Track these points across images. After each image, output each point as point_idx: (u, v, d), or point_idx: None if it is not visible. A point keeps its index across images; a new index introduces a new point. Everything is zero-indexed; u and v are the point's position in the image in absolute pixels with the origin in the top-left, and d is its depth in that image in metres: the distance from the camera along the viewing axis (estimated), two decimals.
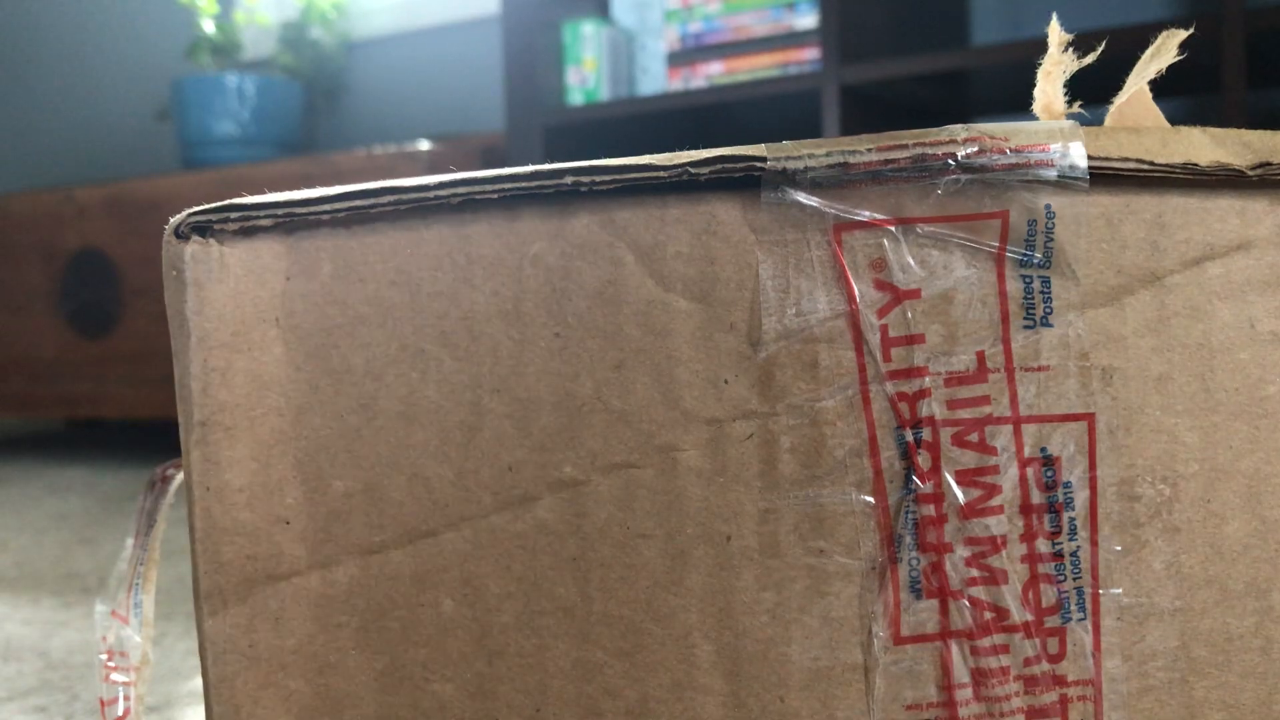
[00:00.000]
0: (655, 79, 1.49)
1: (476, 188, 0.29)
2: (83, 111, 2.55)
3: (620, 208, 0.30)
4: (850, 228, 0.30)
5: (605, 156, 0.30)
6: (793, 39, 1.33)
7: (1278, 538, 0.31)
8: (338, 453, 0.31)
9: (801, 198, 0.30)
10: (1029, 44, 1.16)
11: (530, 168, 0.30)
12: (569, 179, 0.29)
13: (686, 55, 1.41)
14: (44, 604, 0.91)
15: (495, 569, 0.31)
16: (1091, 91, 0.32)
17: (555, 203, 0.30)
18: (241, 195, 0.29)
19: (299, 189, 0.29)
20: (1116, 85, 0.33)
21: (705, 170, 0.29)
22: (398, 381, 0.30)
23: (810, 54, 1.32)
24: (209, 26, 2.16)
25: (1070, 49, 0.33)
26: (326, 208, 0.29)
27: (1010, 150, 0.30)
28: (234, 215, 0.30)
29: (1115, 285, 0.31)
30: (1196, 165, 0.30)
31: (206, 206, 0.30)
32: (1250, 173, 0.30)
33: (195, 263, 0.30)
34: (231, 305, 0.30)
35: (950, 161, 0.29)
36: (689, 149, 1.63)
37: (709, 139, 1.64)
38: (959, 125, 0.30)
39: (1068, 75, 0.33)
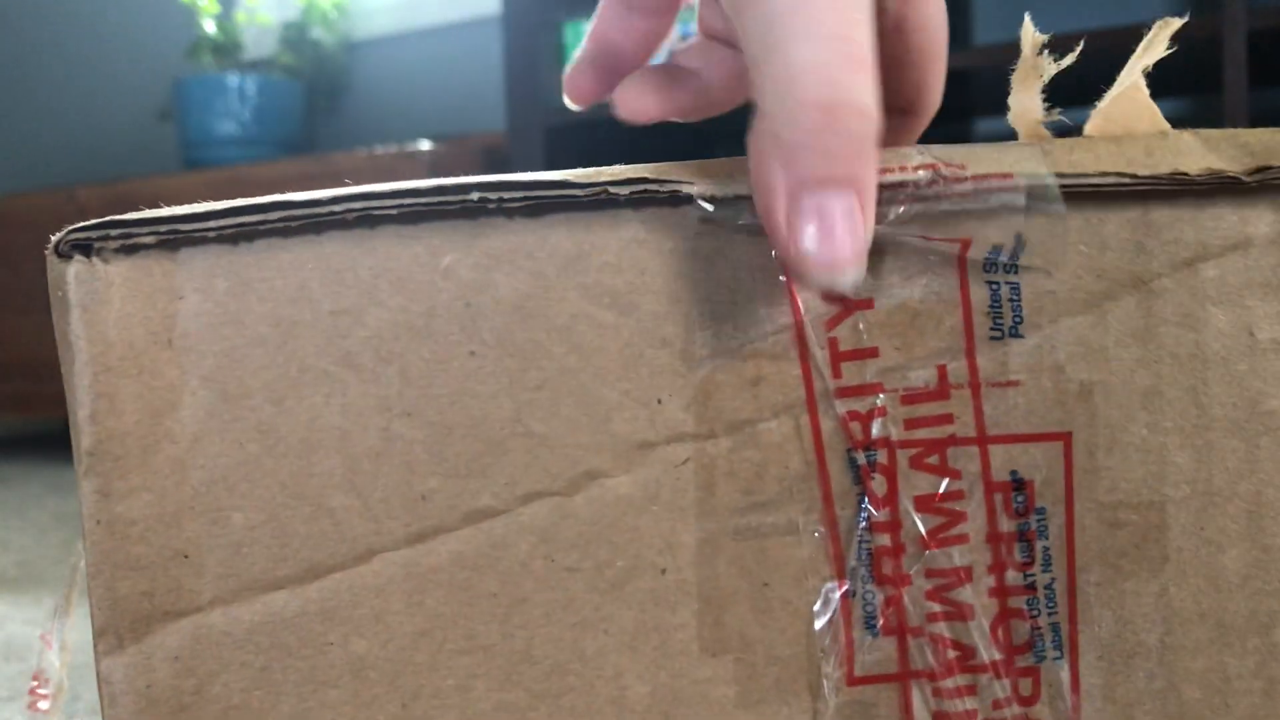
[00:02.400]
0: None
1: (375, 203, 0.27)
2: (84, 112, 2.54)
3: (539, 216, 0.27)
4: None
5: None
6: None
7: None
8: (237, 482, 0.28)
9: (732, 210, 0.27)
10: None
11: (434, 182, 0.27)
12: (475, 195, 0.26)
13: None
14: (45, 604, 0.89)
15: (408, 605, 0.28)
16: (1087, 96, 0.29)
17: (464, 215, 0.27)
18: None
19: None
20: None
21: (625, 191, 0.27)
22: (299, 406, 0.28)
23: None
24: (210, 27, 2.14)
25: (1046, 51, 0.30)
26: (213, 224, 0.27)
27: (970, 179, 0.27)
28: (114, 233, 0.27)
29: (1095, 291, 0.28)
30: (1185, 175, 0.27)
31: (86, 223, 0.27)
32: (1248, 179, 0.27)
33: (79, 283, 0.27)
34: (119, 327, 0.27)
35: (901, 193, 0.27)
36: (690, 148, 1.60)
37: (710, 138, 1.61)
38: (915, 149, 0.27)
39: (1045, 80, 0.30)
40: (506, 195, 0.26)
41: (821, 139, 0.23)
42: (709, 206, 0.27)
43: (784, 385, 0.28)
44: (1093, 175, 0.27)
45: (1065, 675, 0.28)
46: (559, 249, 0.27)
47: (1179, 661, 0.28)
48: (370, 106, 2.20)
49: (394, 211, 0.27)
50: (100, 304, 0.27)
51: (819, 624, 0.28)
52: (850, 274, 0.24)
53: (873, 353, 0.28)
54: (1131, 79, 0.29)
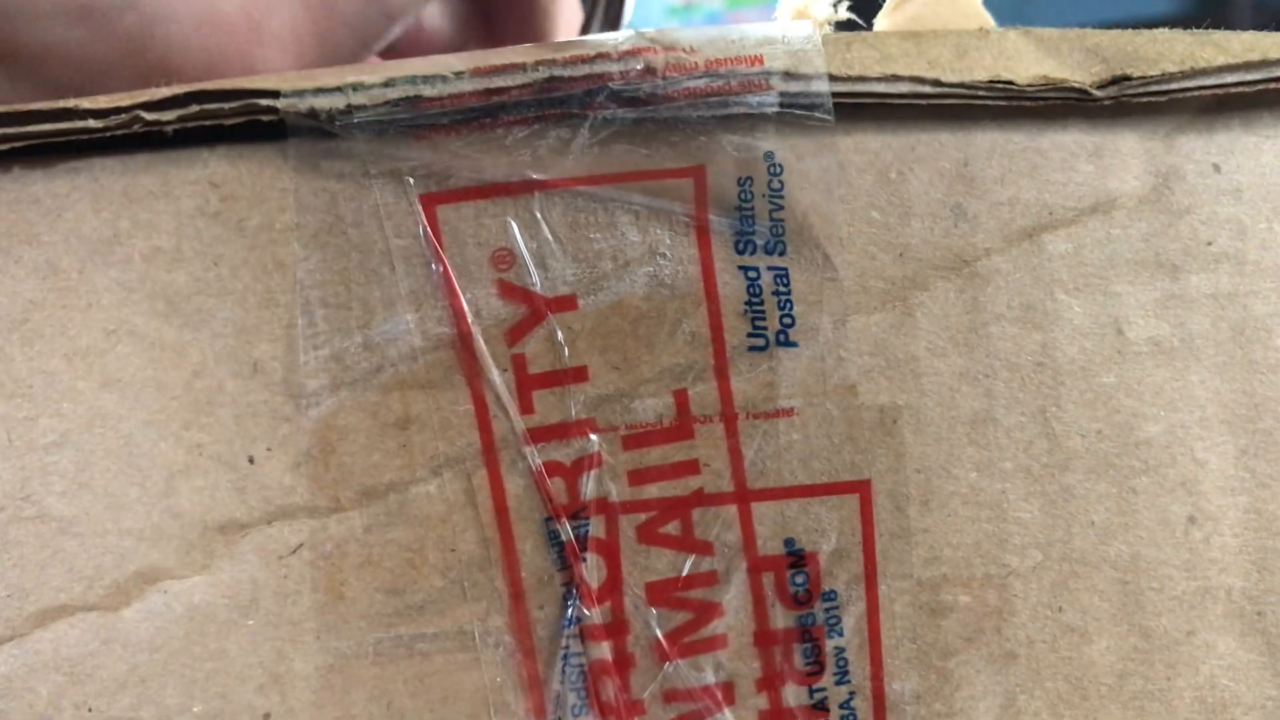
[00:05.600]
0: None
1: None
2: None
3: (48, 168, 0.18)
4: (450, 198, 0.18)
5: None
6: None
7: (1169, 658, 0.20)
8: None
9: (359, 151, 0.18)
10: None
11: None
12: None
13: None
14: None
15: None
16: None
17: None
18: None
19: None
20: None
21: (171, 116, 0.17)
22: None
23: None
24: None
25: None
26: None
27: (701, 68, 0.18)
28: None
29: (897, 276, 0.19)
30: (1011, 84, 0.19)
31: None
32: (1098, 93, 0.19)
33: None
34: None
35: (600, 91, 0.18)
36: None
37: None
38: (624, 31, 0.18)
39: None
40: None
41: None
42: (316, 131, 0.18)
43: (446, 428, 0.19)
44: (876, 79, 0.18)
45: None
46: (80, 227, 0.18)
47: None
48: None
49: None
50: None
51: None
52: None
53: (579, 375, 0.19)
54: None
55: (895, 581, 0.20)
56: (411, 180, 0.18)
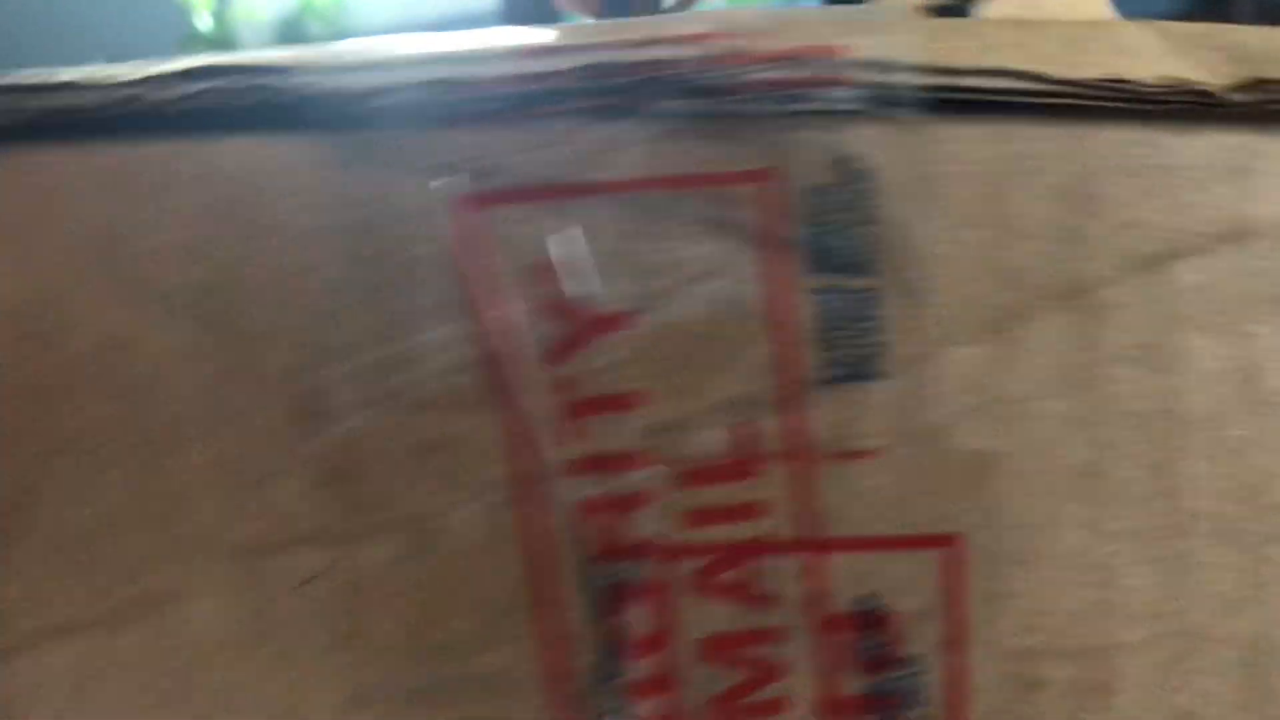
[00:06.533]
0: None
1: None
2: None
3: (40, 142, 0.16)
4: (488, 201, 0.16)
5: None
6: None
7: None
8: None
9: (385, 141, 0.16)
10: None
11: None
12: None
13: None
14: None
15: None
16: None
17: None
18: None
19: None
20: None
21: (175, 95, 0.16)
22: None
23: None
24: (206, 21, 2.07)
25: None
26: None
27: (773, 56, 0.16)
28: None
29: (999, 305, 0.17)
30: (1131, 83, 0.16)
31: None
32: (1236, 97, 0.16)
33: None
34: None
35: (654, 81, 0.16)
36: None
37: None
38: (682, 13, 0.16)
39: None
40: None
41: None
42: (338, 116, 0.16)
43: (478, 454, 0.17)
44: (971, 75, 0.16)
45: None
46: (80, 220, 0.16)
47: None
48: None
49: None
50: None
51: None
52: None
53: (630, 401, 0.17)
54: None
55: (985, 649, 0.17)
56: (445, 179, 0.16)
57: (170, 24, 2.25)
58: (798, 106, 0.16)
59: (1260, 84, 0.16)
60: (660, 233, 0.16)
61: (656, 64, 0.15)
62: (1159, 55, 0.16)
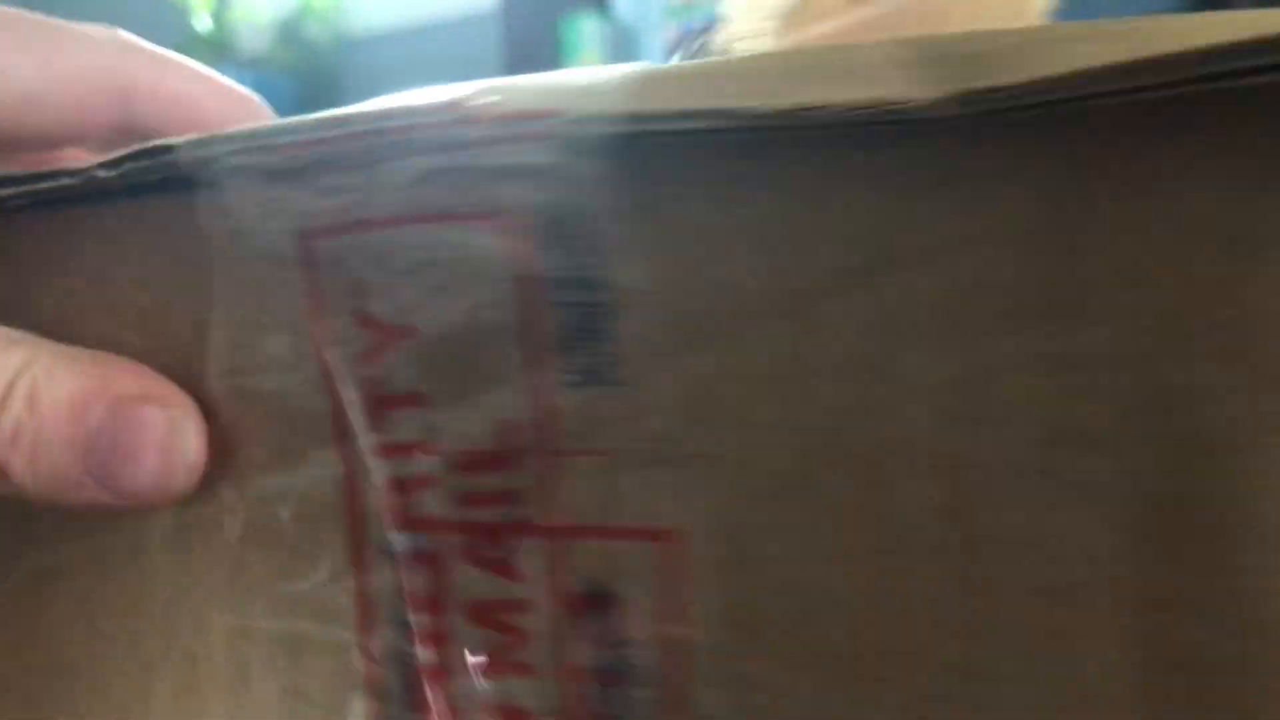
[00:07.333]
0: None
1: None
2: None
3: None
4: (323, 235, 0.20)
5: None
6: None
7: None
8: None
9: (233, 195, 0.20)
10: None
11: None
12: None
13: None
14: None
15: None
16: None
17: None
18: None
19: None
20: None
21: (114, 174, 0.20)
22: None
23: None
24: (205, 22, 2.10)
25: None
26: None
27: (500, 118, 0.18)
28: None
29: (719, 316, 0.19)
30: (812, 111, 0.16)
31: None
32: (933, 113, 0.16)
33: None
34: None
35: (413, 142, 0.19)
36: None
37: None
38: (477, 83, 0.19)
39: None
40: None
41: None
42: (206, 180, 0.20)
43: (314, 438, 0.21)
44: (657, 118, 0.17)
45: None
46: (89, 264, 0.22)
47: None
48: None
49: None
50: None
51: None
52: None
53: (414, 400, 0.20)
54: None
55: (705, 642, 0.20)
56: (291, 212, 0.20)
57: (170, 24, 2.28)
58: (516, 159, 0.18)
59: (967, 96, 0.16)
60: (432, 260, 0.20)
61: (419, 125, 0.19)
62: (879, 75, 0.17)
